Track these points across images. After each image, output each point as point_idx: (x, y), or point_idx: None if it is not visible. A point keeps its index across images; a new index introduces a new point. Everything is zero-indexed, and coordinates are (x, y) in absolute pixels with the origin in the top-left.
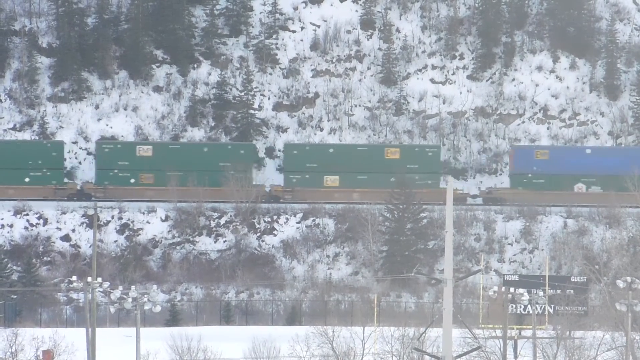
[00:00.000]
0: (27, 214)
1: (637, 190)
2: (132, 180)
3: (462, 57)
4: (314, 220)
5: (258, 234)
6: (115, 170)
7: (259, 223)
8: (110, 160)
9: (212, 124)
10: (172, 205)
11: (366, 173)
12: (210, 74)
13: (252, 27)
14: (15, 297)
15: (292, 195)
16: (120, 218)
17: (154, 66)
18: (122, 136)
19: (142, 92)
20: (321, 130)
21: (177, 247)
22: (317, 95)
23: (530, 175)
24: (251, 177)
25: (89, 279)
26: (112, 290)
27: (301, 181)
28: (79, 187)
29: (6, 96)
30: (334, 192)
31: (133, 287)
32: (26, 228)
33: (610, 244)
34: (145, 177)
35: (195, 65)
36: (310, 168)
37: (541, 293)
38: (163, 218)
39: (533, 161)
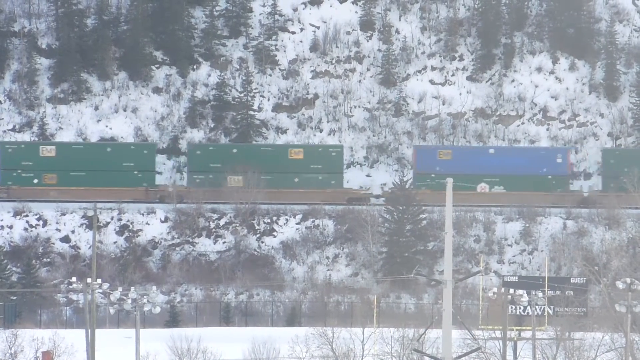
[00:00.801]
0: (27, 215)
1: (540, 190)
2: (36, 181)
3: (461, 58)
4: (313, 221)
5: (257, 235)
6: (19, 171)
7: (258, 224)
8: (13, 161)
9: (212, 125)
10: (171, 206)
11: (270, 173)
12: (209, 75)
13: (252, 28)
14: (15, 298)
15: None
16: (119, 219)
17: (153, 67)
18: (122, 137)
19: (142, 93)
20: (321, 131)
21: (177, 248)
22: (316, 96)
23: (433, 175)
24: (154, 177)
25: (89, 280)
26: (111, 292)
27: (205, 181)
28: None
29: (6, 97)
30: (237, 192)
31: (133, 288)
32: (26, 229)
33: (610, 245)
34: (48, 178)
35: (195, 67)
36: (214, 168)
37: (541, 294)
38: (162, 219)
39: (436, 161)
